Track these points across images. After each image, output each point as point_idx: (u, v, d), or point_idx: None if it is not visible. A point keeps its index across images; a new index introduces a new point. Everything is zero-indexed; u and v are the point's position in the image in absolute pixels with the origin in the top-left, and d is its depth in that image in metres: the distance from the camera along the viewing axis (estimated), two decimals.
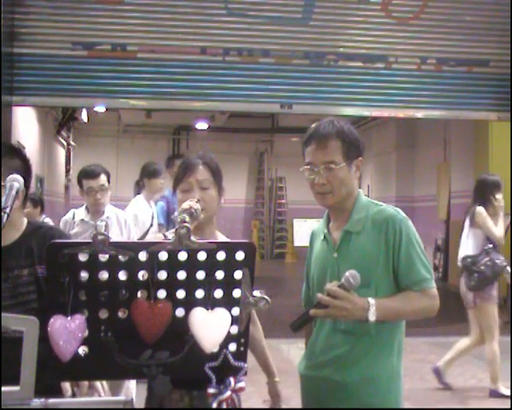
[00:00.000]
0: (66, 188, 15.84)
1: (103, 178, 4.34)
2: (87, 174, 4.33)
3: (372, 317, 2.02)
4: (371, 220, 2.19)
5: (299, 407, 2.33)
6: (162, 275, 1.59)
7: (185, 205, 1.85)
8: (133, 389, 4.14)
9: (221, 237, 2.37)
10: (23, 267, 2.18)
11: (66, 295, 1.54)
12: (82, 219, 4.47)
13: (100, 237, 1.50)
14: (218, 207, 2.34)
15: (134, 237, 4.61)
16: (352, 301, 2.00)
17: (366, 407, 2.15)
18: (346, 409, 2.15)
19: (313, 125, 2.25)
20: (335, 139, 2.19)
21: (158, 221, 5.73)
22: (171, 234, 2.23)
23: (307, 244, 2.44)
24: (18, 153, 2.22)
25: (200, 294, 1.62)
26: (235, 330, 1.67)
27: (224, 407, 1.72)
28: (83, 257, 1.54)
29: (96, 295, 1.58)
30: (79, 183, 4.40)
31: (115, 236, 4.33)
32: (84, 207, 4.54)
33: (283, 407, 2.47)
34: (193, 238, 1.54)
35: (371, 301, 2.03)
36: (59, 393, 2.04)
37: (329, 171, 2.17)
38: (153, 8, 6.88)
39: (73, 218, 4.53)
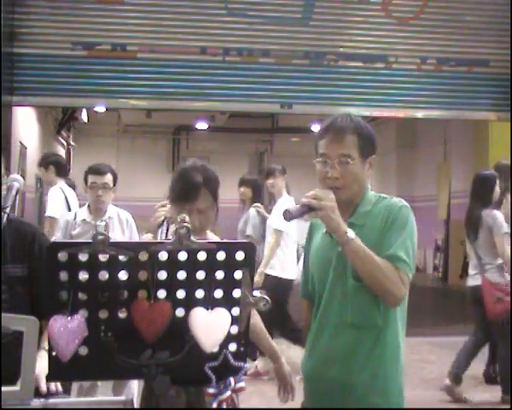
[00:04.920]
0: None
1: (109, 177, 4.40)
2: (93, 170, 4.41)
3: (351, 234, 2.01)
4: (375, 212, 2.16)
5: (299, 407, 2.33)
6: (162, 275, 1.59)
7: (178, 219, 1.84)
8: (135, 389, 4.13)
9: (213, 238, 2.38)
10: None
11: (66, 295, 1.55)
12: (84, 220, 4.45)
13: (100, 237, 1.50)
14: (214, 222, 2.36)
15: (135, 238, 4.59)
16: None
17: (371, 408, 2.13)
18: (351, 409, 2.13)
19: (329, 119, 2.19)
20: (352, 133, 2.14)
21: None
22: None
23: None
24: None
25: (200, 294, 1.62)
26: (235, 330, 1.67)
27: (224, 407, 1.73)
28: (83, 257, 1.54)
29: (96, 295, 1.58)
30: (85, 179, 4.45)
31: (117, 236, 4.33)
32: (86, 206, 4.53)
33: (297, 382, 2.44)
34: (193, 238, 1.55)
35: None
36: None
37: (344, 165, 2.11)
38: (153, 8, 6.88)
39: (75, 218, 4.51)
